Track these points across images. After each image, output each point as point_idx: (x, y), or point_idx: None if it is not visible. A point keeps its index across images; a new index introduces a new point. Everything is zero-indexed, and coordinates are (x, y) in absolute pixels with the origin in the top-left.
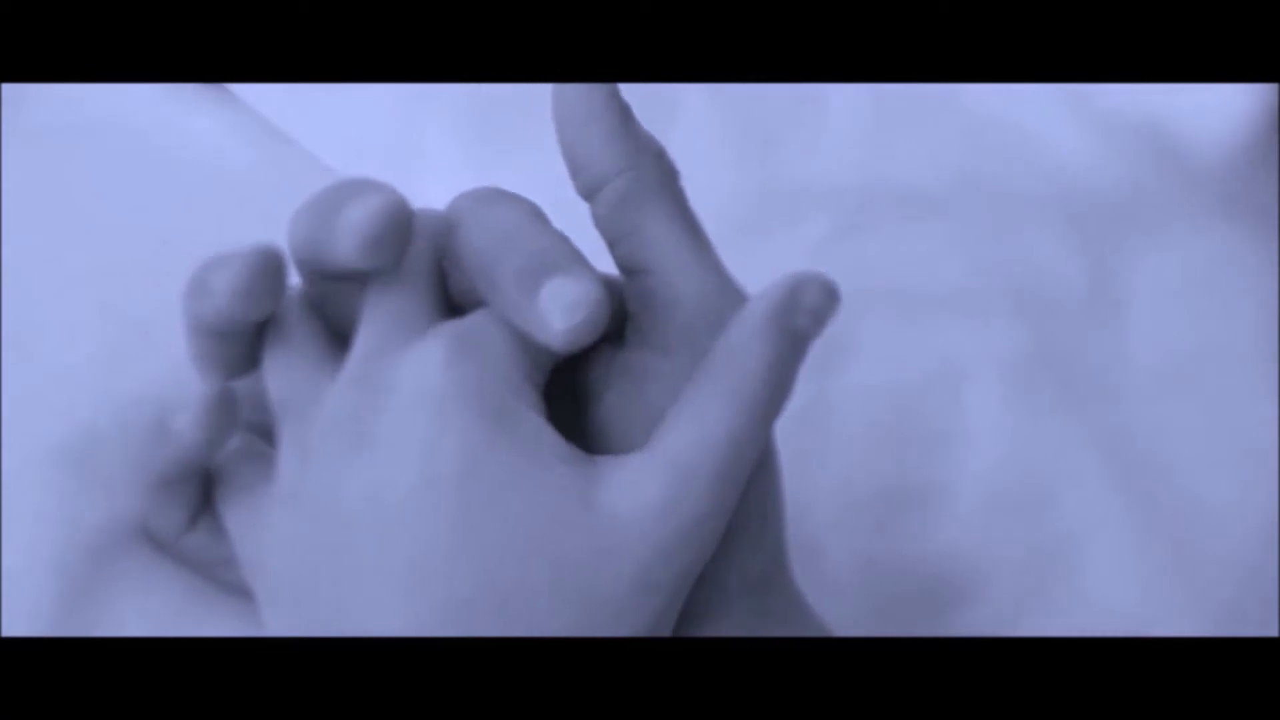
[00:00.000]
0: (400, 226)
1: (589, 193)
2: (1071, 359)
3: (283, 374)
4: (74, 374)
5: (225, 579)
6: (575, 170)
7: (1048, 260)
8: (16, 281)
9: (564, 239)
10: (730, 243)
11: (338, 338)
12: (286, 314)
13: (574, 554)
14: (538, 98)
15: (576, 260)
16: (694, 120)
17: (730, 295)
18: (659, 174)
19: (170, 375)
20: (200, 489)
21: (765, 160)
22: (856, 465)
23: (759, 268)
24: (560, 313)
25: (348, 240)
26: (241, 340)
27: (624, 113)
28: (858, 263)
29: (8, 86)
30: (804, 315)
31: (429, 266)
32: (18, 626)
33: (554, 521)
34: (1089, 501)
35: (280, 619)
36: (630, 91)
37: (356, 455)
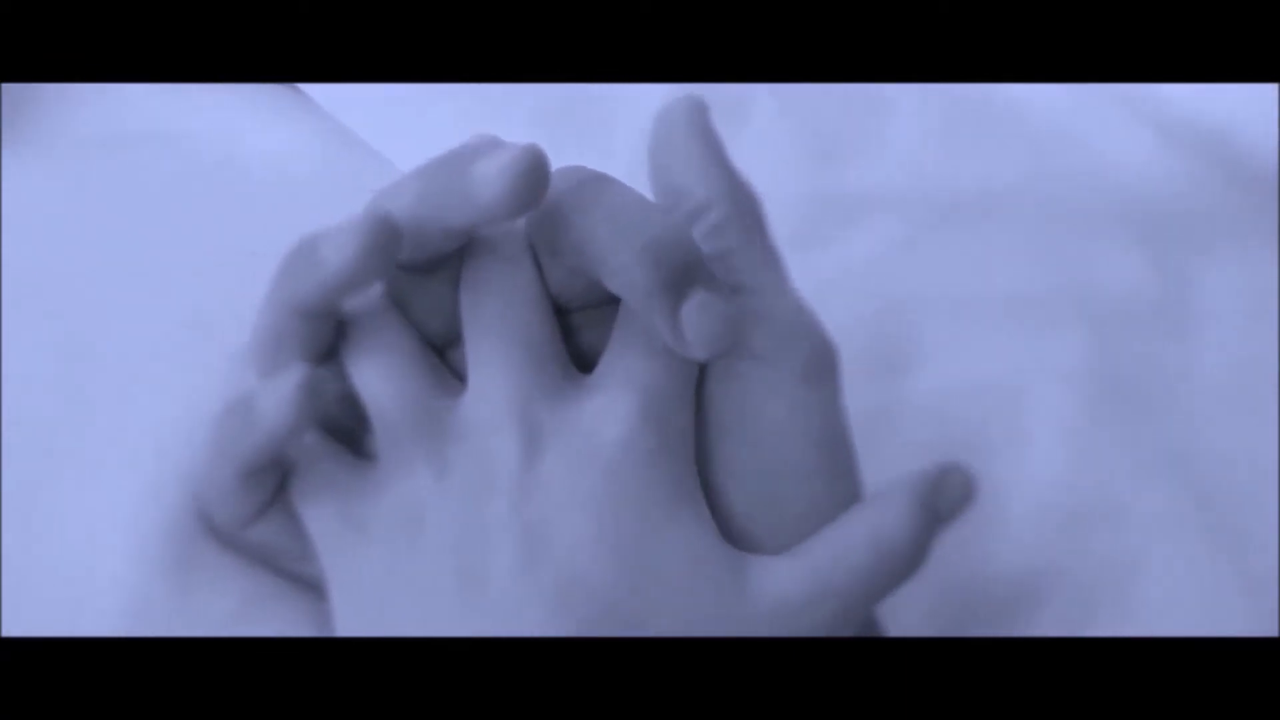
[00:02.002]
0: (542, 172)
1: (687, 217)
2: (1136, 371)
3: (381, 377)
4: (143, 376)
5: (289, 570)
6: (674, 194)
7: (1113, 271)
8: (81, 288)
9: (684, 229)
10: (797, 248)
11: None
12: (373, 311)
13: (710, 616)
14: (608, 97)
15: (703, 264)
16: (763, 126)
17: (806, 310)
18: (751, 200)
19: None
20: (278, 480)
21: (832, 166)
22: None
23: (825, 273)
24: (706, 329)
25: (490, 187)
26: (329, 323)
27: (717, 137)
28: (922, 270)
29: (68, 88)
30: (947, 498)
31: (529, 256)
32: (102, 623)
33: (712, 603)
34: (1152, 516)
35: (362, 624)
36: (704, 97)
37: (509, 494)
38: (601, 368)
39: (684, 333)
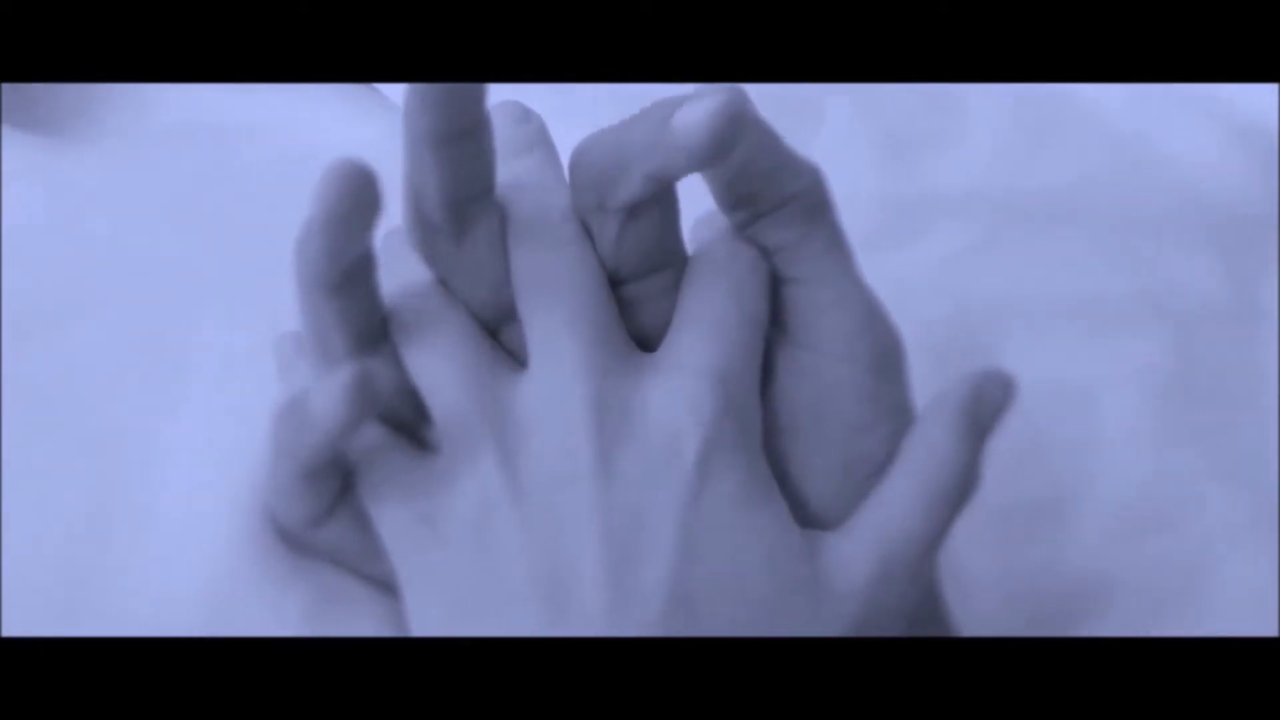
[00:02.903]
0: (743, 117)
1: (758, 215)
2: (1210, 374)
3: (438, 365)
4: (227, 370)
5: (361, 571)
6: (743, 197)
7: (1186, 274)
8: (164, 281)
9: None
10: (870, 249)
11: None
12: (424, 294)
13: (792, 615)
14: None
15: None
16: (837, 126)
17: (874, 303)
18: (817, 188)
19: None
20: (341, 479)
21: (906, 167)
22: (991, 476)
23: (900, 274)
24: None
25: (694, 133)
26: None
27: (770, 126)
28: (995, 273)
29: (134, 88)
30: (987, 410)
31: (579, 225)
32: (181, 622)
33: (786, 580)
34: (1223, 521)
35: (439, 626)
36: (778, 97)
37: (584, 491)
38: (668, 349)
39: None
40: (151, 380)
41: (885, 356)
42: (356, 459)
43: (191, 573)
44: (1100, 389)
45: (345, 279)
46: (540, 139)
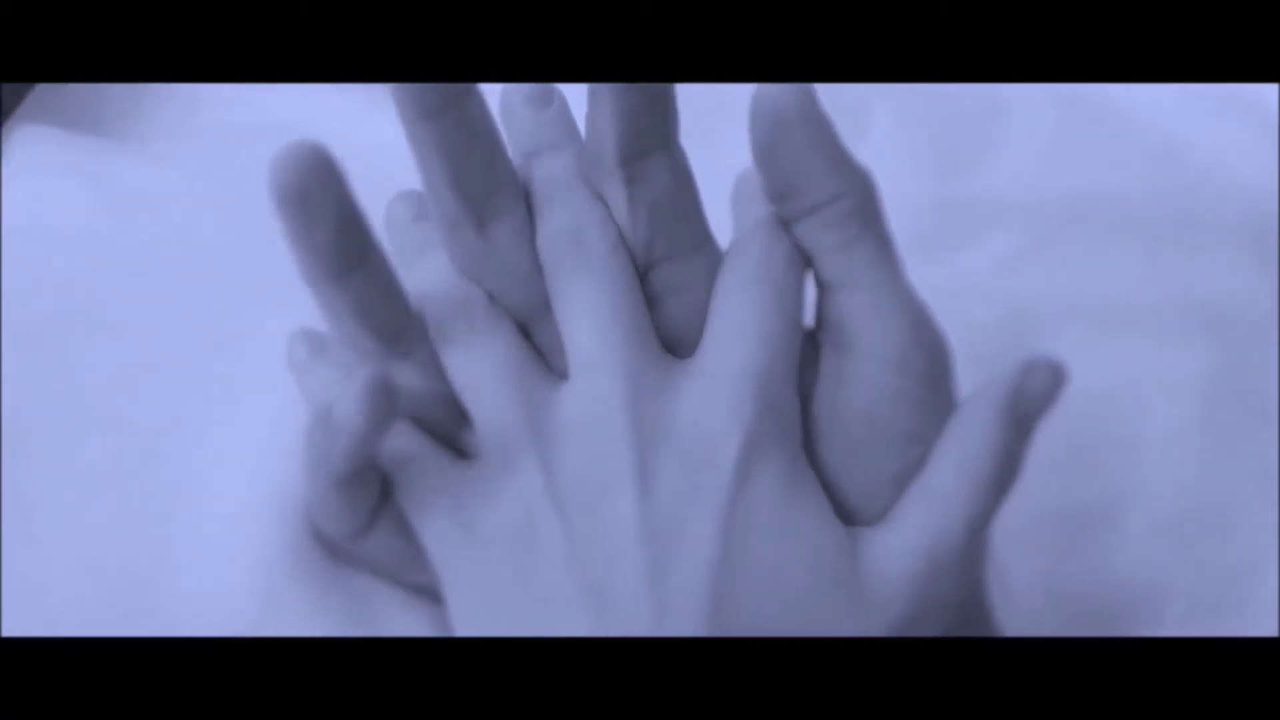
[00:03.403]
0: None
1: (804, 211)
2: (1259, 382)
3: (478, 371)
4: (275, 370)
5: (405, 581)
6: (790, 191)
7: (1235, 281)
8: (214, 280)
9: None
10: (917, 256)
11: None
12: (460, 299)
13: (835, 611)
14: (727, 97)
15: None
16: (883, 133)
17: (923, 310)
18: (870, 192)
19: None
20: (377, 487)
21: (951, 174)
22: (1039, 482)
23: (945, 282)
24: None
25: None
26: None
27: (831, 126)
28: (1043, 279)
29: (182, 88)
30: (1032, 400)
31: (606, 210)
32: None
33: (829, 578)
34: (1269, 524)
35: (484, 631)
36: (825, 102)
37: (624, 497)
38: (705, 352)
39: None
40: (198, 383)
41: (935, 365)
42: (394, 466)
43: (233, 577)
44: (1147, 394)
45: (346, 263)
46: (565, 130)
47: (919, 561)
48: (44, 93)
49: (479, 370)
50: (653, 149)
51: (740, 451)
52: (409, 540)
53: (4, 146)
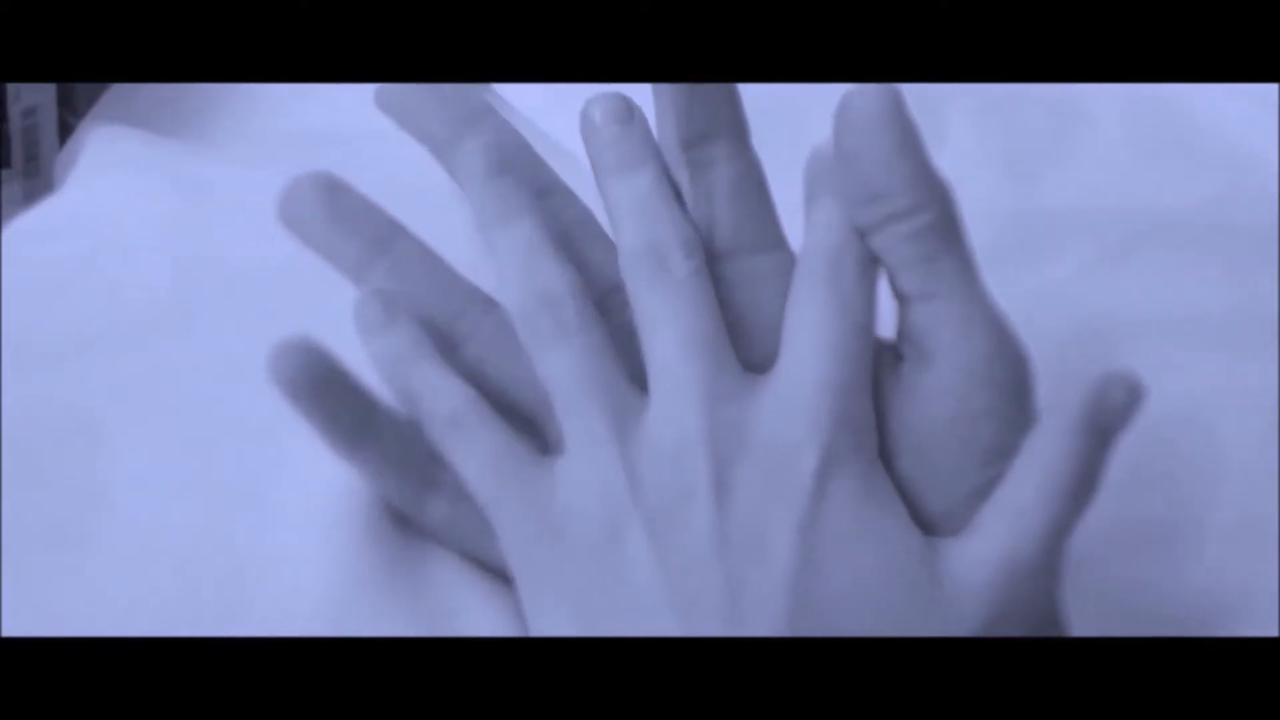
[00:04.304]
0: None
1: (887, 220)
2: None
3: (574, 366)
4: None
5: (471, 553)
6: (872, 197)
7: None
8: (278, 281)
9: None
10: (991, 266)
11: None
12: (563, 293)
13: (913, 621)
14: (788, 99)
15: None
16: (959, 140)
17: (1005, 323)
18: (952, 204)
19: None
20: (417, 452)
21: (1026, 184)
22: (1112, 496)
23: (1021, 292)
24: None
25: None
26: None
27: (917, 132)
28: (1118, 291)
29: (258, 90)
30: (1111, 415)
31: (683, 210)
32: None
33: (907, 586)
34: None
35: (555, 623)
36: None
37: (708, 500)
38: (781, 363)
39: None
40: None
41: (1017, 378)
42: (474, 453)
43: (311, 574)
44: (1222, 407)
45: (356, 436)
46: (646, 151)
47: (998, 573)
48: (117, 93)
49: (569, 370)
50: (715, 134)
51: (818, 463)
52: (470, 512)
53: (82, 145)
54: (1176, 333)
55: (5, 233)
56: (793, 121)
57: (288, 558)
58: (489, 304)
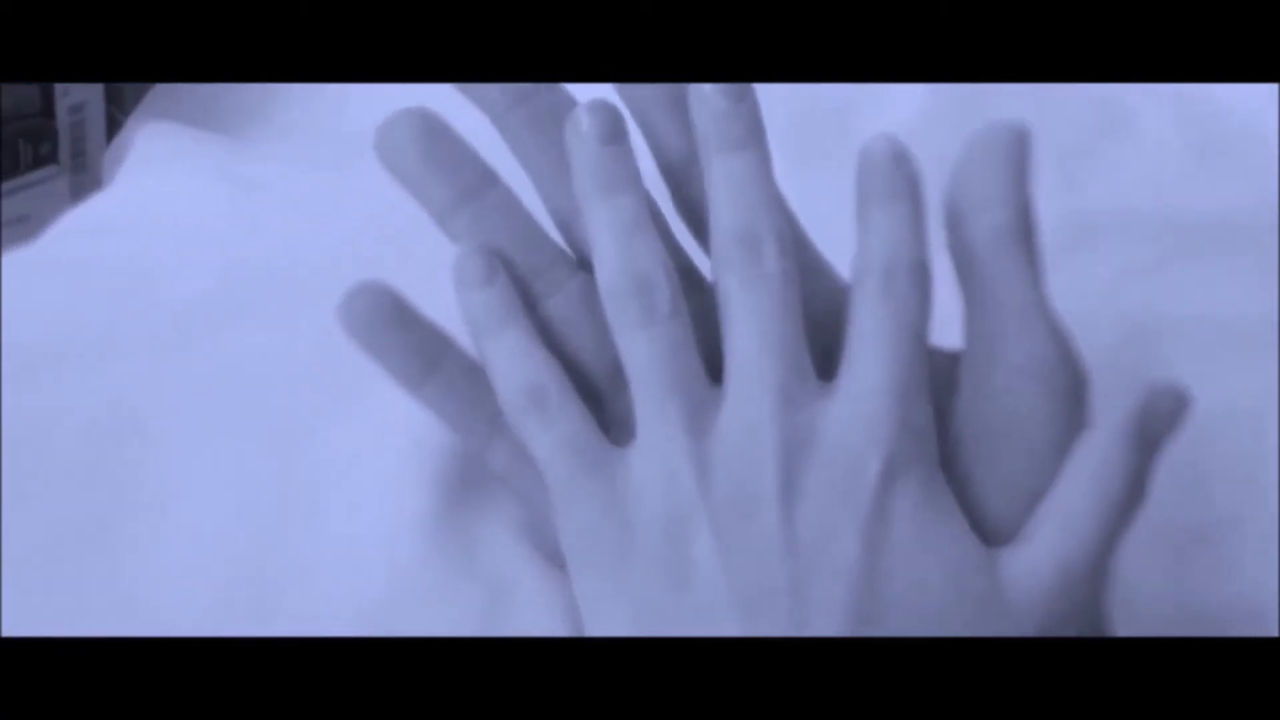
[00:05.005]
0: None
1: (965, 216)
2: None
3: (658, 349)
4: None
5: (532, 505)
6: (965, 206)
7: None
8: (331, 279)
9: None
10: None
11: None
12: (658, 293)
13: (971, 625)
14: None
15: None
16: None
17: (1065, 328)
18: (1032, 211)
19: None
20: (488, 395)
21: (1072, 185)
22: (1159, 496)
23: (1068, 295)
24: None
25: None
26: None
27: (1028, 171)
28: (1165, 293)
29: (312, 91)
30: (1158, 423)
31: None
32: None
33: (966, 592)
34: None
35: (613, 616)
36: None
37: (775, 505)
38: (844, 372)
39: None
40: (328, 379)
41: (1076, 383)
42: (551, 442)
43: (368, 572)
44: (1269, 412)
45: (423, 373)
46: (755, 132)
47: (1052, 581)
48: (165, 90)
49: (653, 357)
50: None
51: (881, 469)
52: (534, 469)
53: (130, 141)
54: (1220, 335)
55: (56, 228)
56: (841, 124)
57: (338, 549)
58: (572, 268)
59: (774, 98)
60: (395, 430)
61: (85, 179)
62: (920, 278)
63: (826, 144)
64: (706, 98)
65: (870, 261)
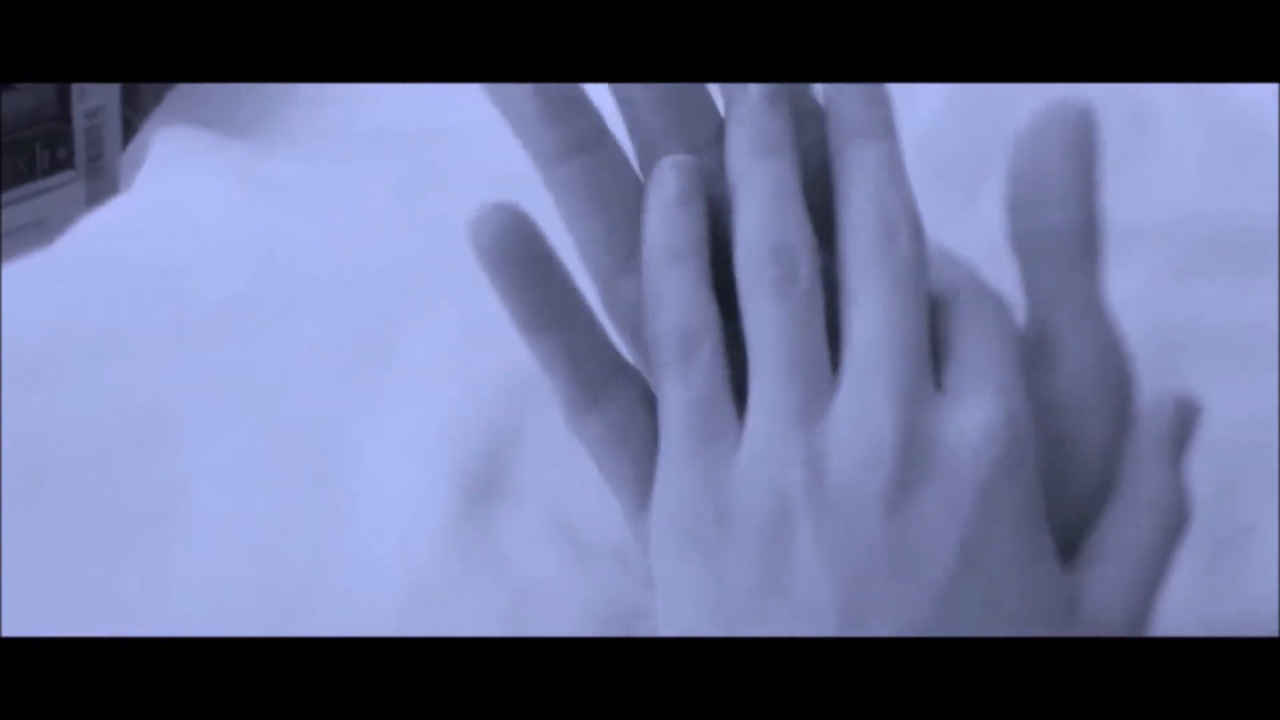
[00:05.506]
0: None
1: (1044, 213)
2: None
3: (788, 333)
4: (433, 364)
5: (610, 476)
6: (1035, 202)
7: None
8: (358, 280)
9: None
10: None
11: None
12: (799, 262)
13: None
14: None
15: None
16: None
17: (1122, 339)
18: (1102, 216)
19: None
20: (602, 357)
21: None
22: None
23: None
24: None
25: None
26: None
27: (1098, 158)
28: (1186, 305)
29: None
30: (1185, 438)
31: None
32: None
33: (1045, 613)
34: None
35: (703, 622)
36: None
37: (885, 509)
38: (962, 374)
39: None
40: (355, 379)
41: (1127, 396)
42: (688, 400)
43: (394, 572)
44: None
45: (552, 318)
46: (892, 124)
47: (1125, 608)
48: (181, 92)
49: (781, 329)
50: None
51: (990, 481)
52: (628, 440)
53: (147, 145)
54: (1244, 345)
55: (77, 231)
56: None
57: (363, 550)
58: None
59: None
60: (421, 431)
61: (102, 184)
62: (1009, 308)
63: None
64: (838, 98)
65: (963, 277)
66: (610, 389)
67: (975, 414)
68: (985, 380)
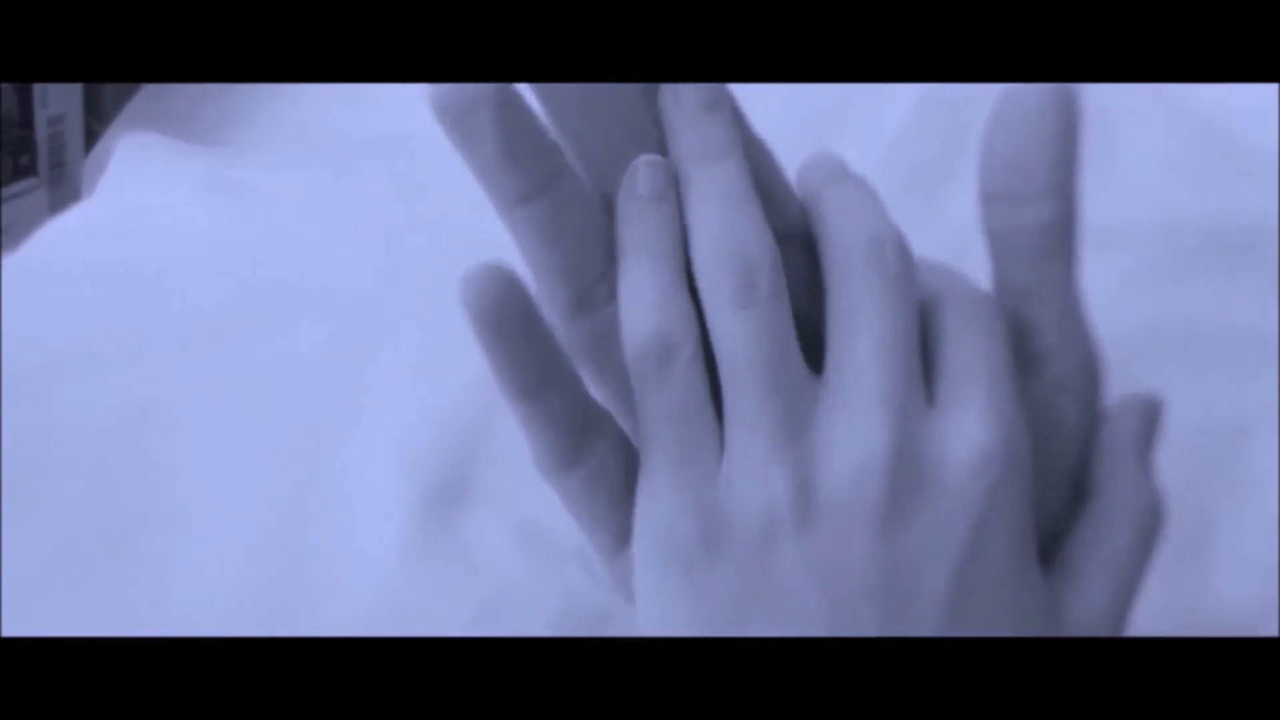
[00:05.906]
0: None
1: (1019, 206)
2: None
3: (764, 340)
4: (413, 368)
5: (590, 532)
6: (1016, 187)
7: None
8: (339, 285)
9: None
10: None
11: None
12: (761, 273)
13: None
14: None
15: None
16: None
17: (1092, 335)
18: (1078, 211)
19: None
20: (578, 418)
21: None
22: None
23: None
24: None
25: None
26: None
27: (1078, 144)
28: (1156, 305)
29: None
30: (1152, 436)
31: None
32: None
33: (1030, 622)
34: None
35: (675, 621)
36: None
37: (876, 528)
38: (954, 387)
39: None
40: (333, 387)
41: (1097, 395)
42: (668, 407)
43: (365, 577)
44: (1252, 426)
45: (535, 381)
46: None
47: (1107, 622)
48: (143, 99)
49: (749, 341)
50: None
51: (984, 502)
52: (605, 494)
53: (109, 152)
54: (1208, 348)
55: (41, 235)
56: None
57: (340, 551)
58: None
59: (764, 100)
60: (390, 438)
61: (64, 191)
62: (1001, 314)
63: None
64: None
65: (951, 288)
66: (586, 441)
67: (970, 434)
68: (978, 395)
